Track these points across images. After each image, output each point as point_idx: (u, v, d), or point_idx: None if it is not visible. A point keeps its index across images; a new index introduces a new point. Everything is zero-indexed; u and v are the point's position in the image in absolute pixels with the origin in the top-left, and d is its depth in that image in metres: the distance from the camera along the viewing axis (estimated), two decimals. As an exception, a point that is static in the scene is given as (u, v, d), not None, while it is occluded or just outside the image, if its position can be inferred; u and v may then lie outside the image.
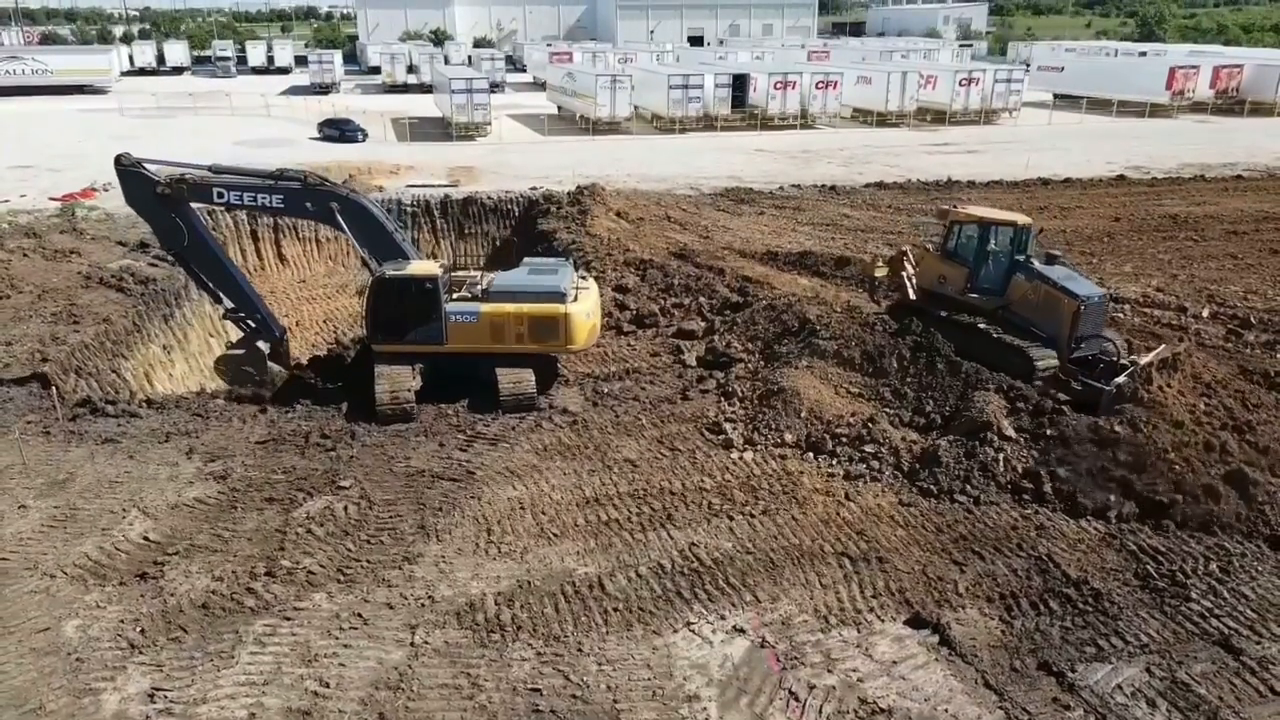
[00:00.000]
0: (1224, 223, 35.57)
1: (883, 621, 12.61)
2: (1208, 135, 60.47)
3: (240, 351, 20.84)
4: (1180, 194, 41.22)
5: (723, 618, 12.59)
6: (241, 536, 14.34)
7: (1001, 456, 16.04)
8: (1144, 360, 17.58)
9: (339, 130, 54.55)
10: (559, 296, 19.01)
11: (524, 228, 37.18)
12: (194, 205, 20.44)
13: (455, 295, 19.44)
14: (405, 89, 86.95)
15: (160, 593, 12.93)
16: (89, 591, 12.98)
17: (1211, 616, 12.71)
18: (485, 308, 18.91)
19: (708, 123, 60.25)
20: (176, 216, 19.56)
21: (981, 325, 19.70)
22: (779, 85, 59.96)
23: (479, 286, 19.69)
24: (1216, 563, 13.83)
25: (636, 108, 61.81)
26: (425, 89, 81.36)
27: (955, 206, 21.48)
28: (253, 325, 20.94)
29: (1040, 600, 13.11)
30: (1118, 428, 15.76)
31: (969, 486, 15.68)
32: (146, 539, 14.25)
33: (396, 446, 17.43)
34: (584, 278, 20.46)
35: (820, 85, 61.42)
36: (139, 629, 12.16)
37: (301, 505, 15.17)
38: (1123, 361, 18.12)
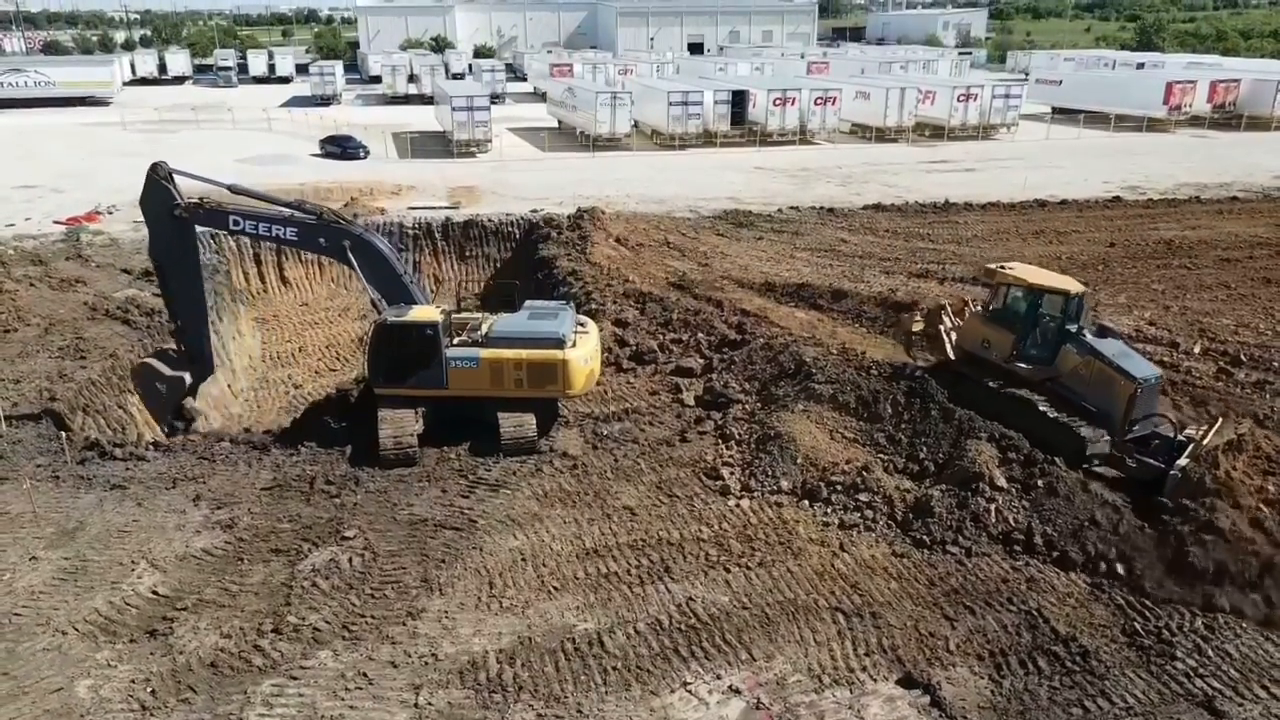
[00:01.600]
0: (1218, 249, 35.91)
1: (875, 681, 12.92)
2: (1204, 152, 60.81)
3: (164, 368, 20.97)
4: (1175, 217, 41.57)
5: (719, 677, 12.90)
6: (248, 590, 14.66)
7: (993, 507, 16.36)
8: (1206, 440, 17.09)
9: (340, 147, 54.91)
10: (558, 343, 19.29)
11: (524, 252, 37.53)
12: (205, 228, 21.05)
13: (457, 339, 19.74)
14: (406, 100, 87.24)
15: (170, 650, 13.24)
16: (100, 649, 13.29)
17: (1196, 676, 13.04)
18: (485, 353, 19.21)
19: (707, 138, 60.62)
20: (179, 235, 19.94)
21: (1034, 400, 18.75)
22: (778, 101, 60.32)
23: (480, 331, 19.99)
24: (1203, 619, 14.14)
25: (636, 123, 62.16)
26: (426, 100, 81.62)
27: (1002, 267, 20.28)
28: (190, 355, 21.30)
29: (1029, 658, 13.42)
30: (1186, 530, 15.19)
31: (961, 537, 16.00)
32: (155, 593, 14.56)
33: (400, 493, 17.74)
34: (583, 324, 20.73)
35: (819, 101, 61.75)
36: (150, 689, 12.47)
37: (307, 557, 15.48)
38: (1179, 438, 17.53)
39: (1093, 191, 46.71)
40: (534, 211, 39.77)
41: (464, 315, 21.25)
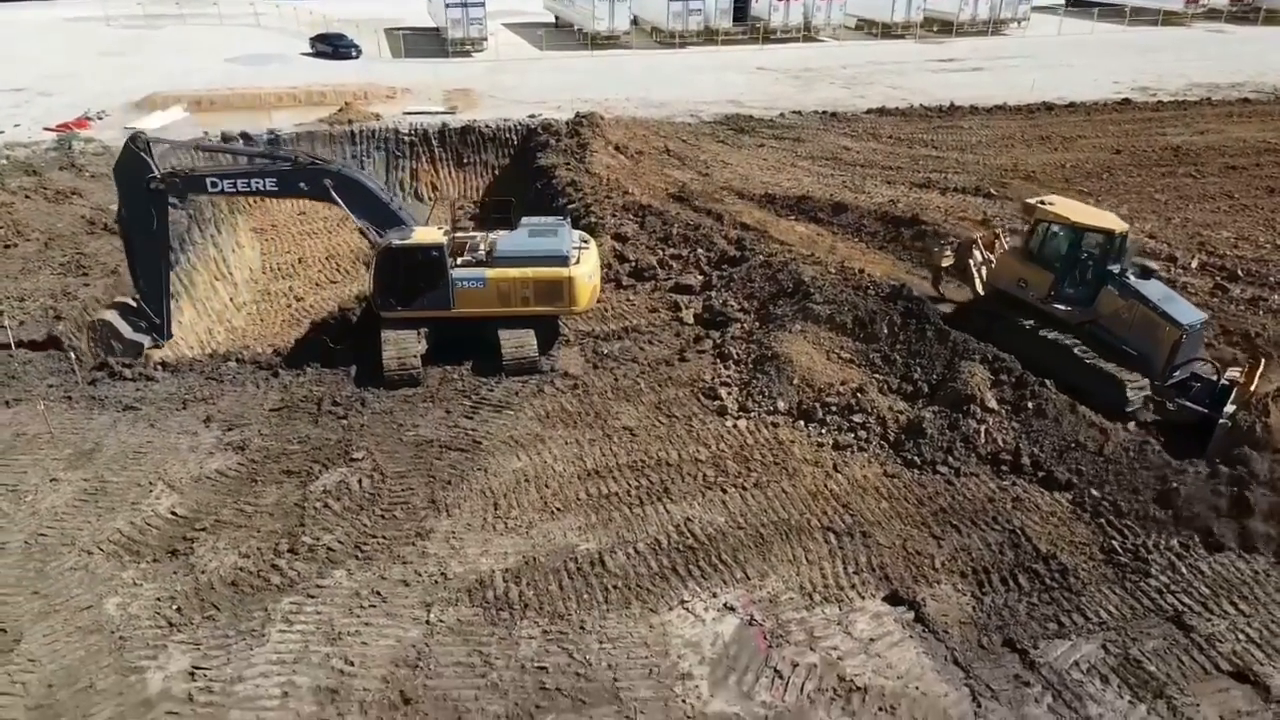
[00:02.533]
0: (1224, 155, 35.51)
1: (863, 598, 13.59)
2: (1219, 48, 59.26)
3: (124, 329, 20.44)
4: (1184, 121, 40.89)
5: (715, 595, 13.56)
6: (263, 511, 15.23)
7: (983, 428, 16.80)
8: (1253, 385, 16.88)
9: (332, 46, 53.49)
10: (562, 260, 19.44)
11: (522, 159, 37.09)
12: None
13: (460, 259, 19.82)
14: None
15: (191, 570, 13.87)
16: (125, 568, 13.92)
17: (1168, 593, 13.69)
18: (491, 273, 19.35)
19: (709, 36, 58.86)
20: (153, 206, 19.66)
21: (1073, 346, 18.33)
22: (782, -4, 58.42)
23: (481, 250, 20.06)
24: (1179, 537, 14.71)
25: (635, 19, 60.28)
26: (419, -9, 78.81)
27: (1041, 203, 19.25)
28: (153, 319, 20.94)
29: (1011, 575, 14.05)
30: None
31: (951, 458, 16.48)
32: (174, 514, 15.13)
33: (405, 413, 18.16)
34: (585, 240, 20.78)
35: (825, -5, 59.79)
36: (175, 607, 13.13)
37: (317, 478, 16.00)
38: (1222, 382, 17.34)
39: (1102, 93, 45.76)
40: (532, 117, 39.10)
41: (462, 233, 21.26)
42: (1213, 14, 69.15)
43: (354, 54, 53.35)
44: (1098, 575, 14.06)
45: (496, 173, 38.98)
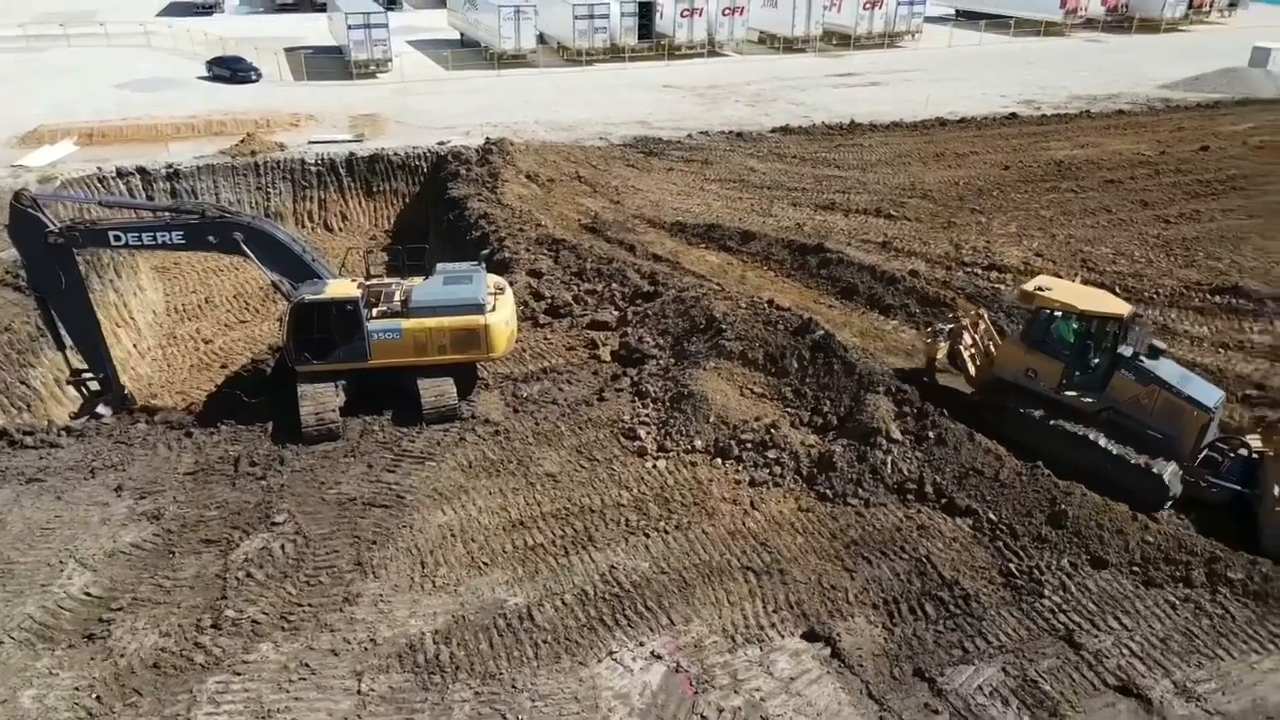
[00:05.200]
0: (1103, 169, 37.73)
1: (782, 637, 14.22)
2: (1096, 58, 62.63)
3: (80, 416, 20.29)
4: (1066, 134, 43.26)
5: (641, 644, 13.99)
6: (183, 585, 15.02)
7: (889, 459, 17.68)
8: (1274, 452, 16.78)
9: (230, 70, 52.09)
10: (478, 308, 19.61)
11: (433, 187, 37.00)
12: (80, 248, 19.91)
13: (376, 309, 19.80)
14: (296, 6, 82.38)
15: (110, 654, 13.62)
16: (39, 657, 13.58)
17: (1060, 612, 14.71)
18: (407, 324, 19.39)
19: (615, 53, 59.44)
20: (58, 263, 19.15)
21: (1100, 441, 17.51)
22: (686, 13, 59.34)
23: (396, 299, 20.09)
24: (1069, 557, 15.80)
25: (542, 36, 60.41)
26: (319, 6, 77.22)
27: (1040, 290, 18.30)
28: (97, 386, 20.66)
29: (919, 604, 14.88)
30: None
31: (860, 489, 17.31)
32: (88, 594, 14.79)
33: (326, 470, 18.08)
34: (500, 287, 20.98)
35: (727, 11, 61.00)
36: (94, 695, 12.89)
37: (238, 546, 15.84)
38: (1252, 455, 17.12)
39: (991, 106, 48.03)
40: (441, 144, 38.99)
41: (376, 281, 21.24)
42: (1090, 24, 73.03)
43: (254, 77, 52.08)
44: (997, 599, 15.00)
45: (407, 201, 38.83)
